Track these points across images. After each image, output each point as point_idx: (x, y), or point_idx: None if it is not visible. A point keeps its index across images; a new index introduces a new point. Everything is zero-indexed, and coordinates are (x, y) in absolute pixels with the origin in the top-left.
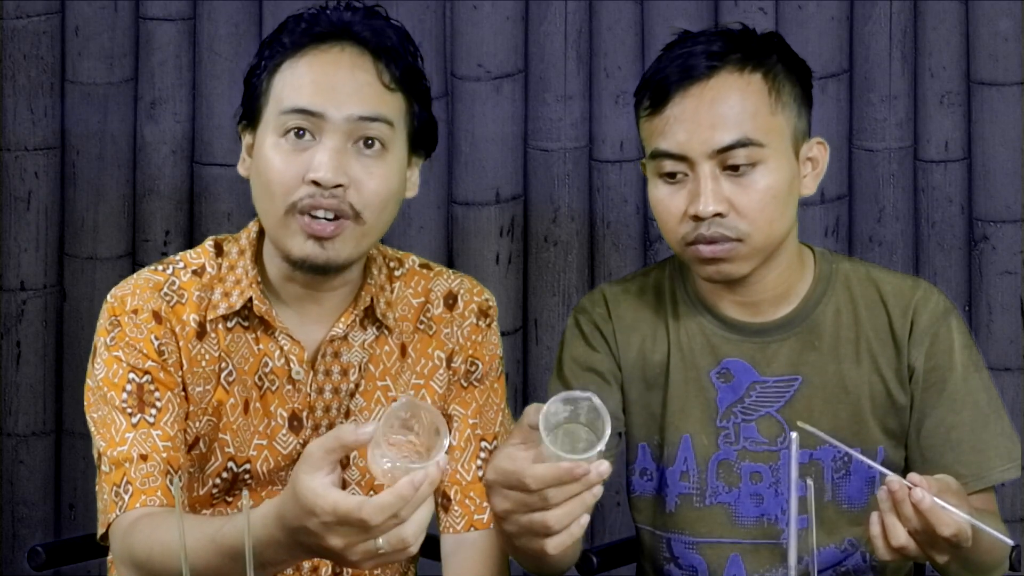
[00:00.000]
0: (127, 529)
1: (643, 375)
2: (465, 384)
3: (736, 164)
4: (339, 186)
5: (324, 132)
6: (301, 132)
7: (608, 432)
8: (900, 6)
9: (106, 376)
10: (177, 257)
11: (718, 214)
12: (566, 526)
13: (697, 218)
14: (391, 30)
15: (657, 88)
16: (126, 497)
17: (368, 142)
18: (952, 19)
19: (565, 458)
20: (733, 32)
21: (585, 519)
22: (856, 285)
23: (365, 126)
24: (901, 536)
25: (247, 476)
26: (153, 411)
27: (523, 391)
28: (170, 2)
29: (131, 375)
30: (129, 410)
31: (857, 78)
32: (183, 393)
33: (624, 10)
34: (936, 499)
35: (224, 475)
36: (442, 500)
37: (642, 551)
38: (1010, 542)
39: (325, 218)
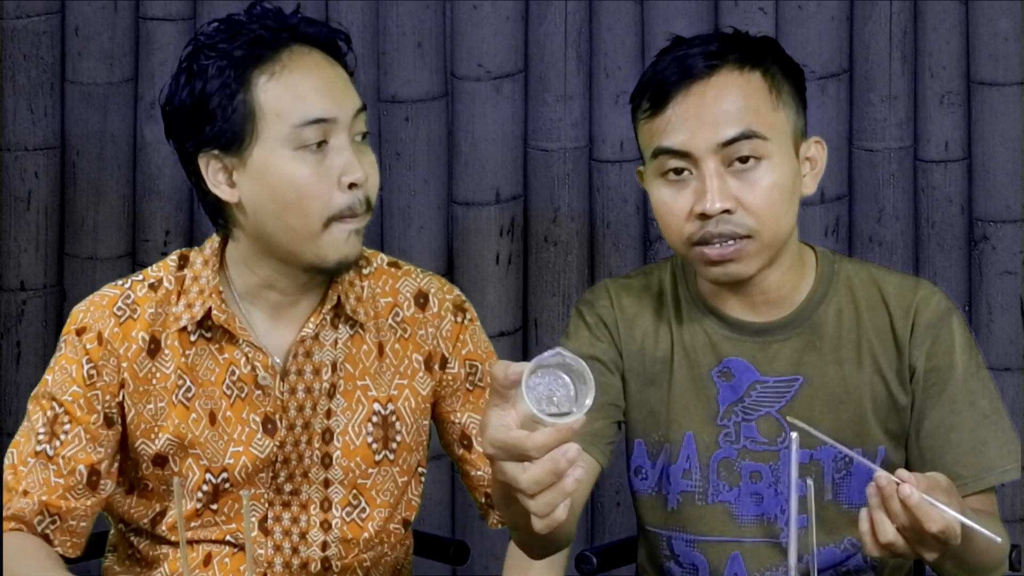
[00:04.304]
0: None
1: (644, 370)
2: (470, 387)
3: (741, 156)
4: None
5: (332, 135)
6: (321, 143)
7: (591, 392)
8: (900, 6)
9: (39, 392)
10: (141, 272)
11: (726, 211)
12: (547, 514)
13: (704, 216)
14: (321, 24)
15: (656, 89)
16: None
17: (362, 136)
18: (952, 19)
19: (549, 423)
20: (728, 35)
21: (568, 500)
22: (858, 285)
23: (358, 120)
24: (889, 532)
25: (227, 484)
26: (57, 443)
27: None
28: (170, 2)
29: (52, 403)
30: (40, 436)
31: (857, 78)
32: (103, 423)
33: (624, 10)
34: (924, 495)
35: (205, 488)
36: (486, 500)
37: (642, 549)
38: (998, 539)
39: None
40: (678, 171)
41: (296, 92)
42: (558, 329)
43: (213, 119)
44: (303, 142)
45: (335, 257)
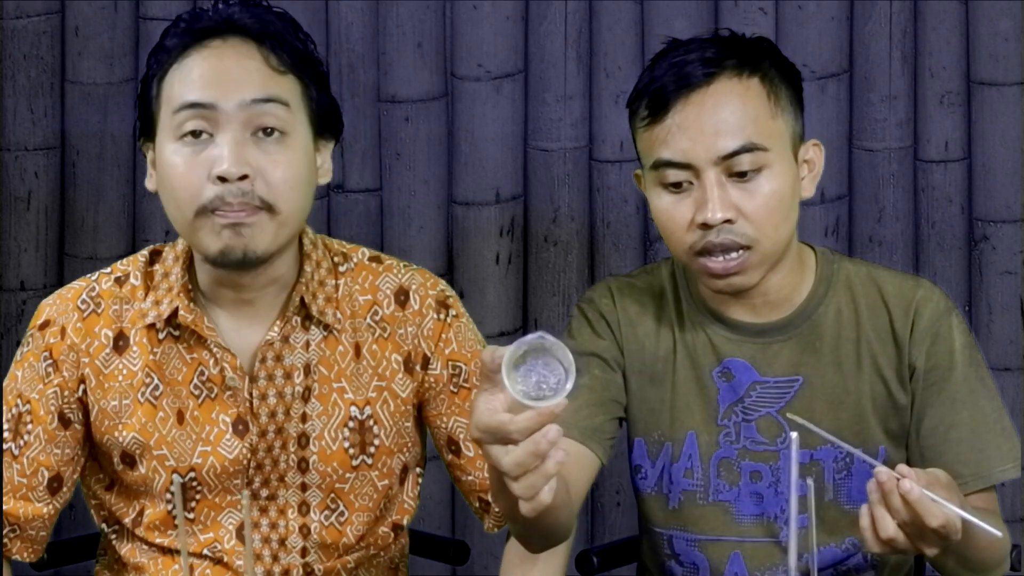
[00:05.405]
0: None
1: (646, 368)
2: (455, 390)
3: (742, 171)
4: (244, 177)
5: (220, 125)
6: (198, 132)
7: (572, 377)
8: (900, 6)
9: (6, 387)
10: (111, 266)
11: (727, 220)
12: (531, 497)
13: (705, 226)
14: (273, 16)
15: (655, 97)
16: None
17: (267, 131)
18: (952, 19)
19: (529, 406)
20: (724, 38)
21: (552, 484)
22: (857, 285)
23: (260, 110)
24: (890, 528)
25: (195, 484)
26: (21, 442)
27: None
28: (170, 2)
29: (17, 400)
30: (6, 433)
31: (857, 78)
32: (58, 424)
33: (624, 10)
34: (924, 490)
35: (173, 489)
36: (480, 504)
37: (644, 547)
38: (998, 534)
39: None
40: (677, 184)
41: (182, 79)
42: (558, 329)
43: (142, 105)
44: (181, 130)
45: (214, 249)
